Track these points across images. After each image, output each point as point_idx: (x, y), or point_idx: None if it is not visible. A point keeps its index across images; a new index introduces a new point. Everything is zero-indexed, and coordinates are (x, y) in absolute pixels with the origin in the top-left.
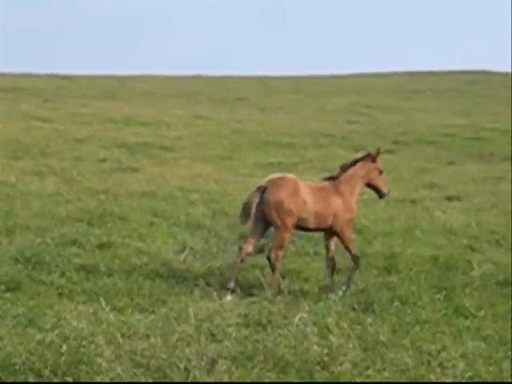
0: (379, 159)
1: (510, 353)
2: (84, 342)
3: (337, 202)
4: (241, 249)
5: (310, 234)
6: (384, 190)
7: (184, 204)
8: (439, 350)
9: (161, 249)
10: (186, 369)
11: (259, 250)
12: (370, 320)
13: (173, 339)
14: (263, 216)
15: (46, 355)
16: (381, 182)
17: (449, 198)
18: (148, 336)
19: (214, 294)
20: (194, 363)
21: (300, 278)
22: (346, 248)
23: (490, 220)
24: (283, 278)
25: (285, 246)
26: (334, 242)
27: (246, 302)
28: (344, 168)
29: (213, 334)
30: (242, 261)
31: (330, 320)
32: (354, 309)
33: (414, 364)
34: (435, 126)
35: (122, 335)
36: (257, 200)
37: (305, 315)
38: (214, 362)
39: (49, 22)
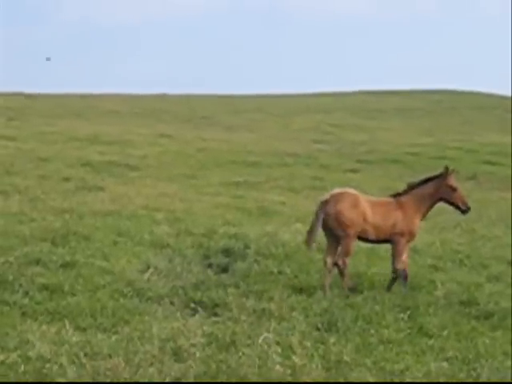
0: (451, 177)
1: (472, 372)
2: (47, 363)
3: (397, 216)
4: (325, 263)
5: (274, 252)
6: (461, 206)
7: (148, 223)
8: (402, 370)
9: (125, 268)
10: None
11: (223, 270)
12: (333, 340)
13: (136, 359)
14: (330, 230)
15: (8, 375)
16: (456, 199)
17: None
18: (111, 356)
19: (178, 314)
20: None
21: (264, 297)
22: (393, 258)
23: (454, 239)
24: (247, 297)
25: (351, 253)
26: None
27: (210, 321)
28: (411, 186)
29: (176, 354)
30: (329, 271)
31: (293, 340)
32: (317, 328)
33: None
34: (400, 145)
35: (85, 355)
36: (322, 216)
37: (269, 335)
38: (177, 381)
39: (12, 40)
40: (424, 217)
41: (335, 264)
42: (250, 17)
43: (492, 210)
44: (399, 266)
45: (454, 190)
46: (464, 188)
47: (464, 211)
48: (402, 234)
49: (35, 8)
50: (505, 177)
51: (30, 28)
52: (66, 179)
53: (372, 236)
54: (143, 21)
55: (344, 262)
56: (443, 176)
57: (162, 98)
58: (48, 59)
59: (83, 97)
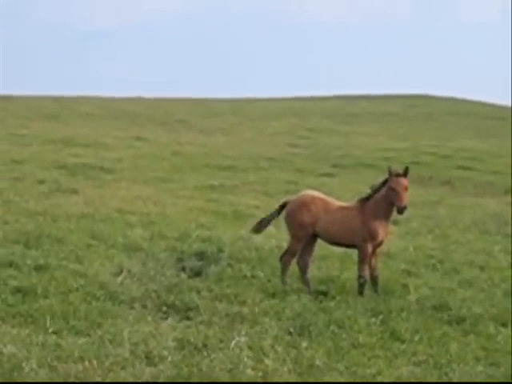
0: (392, 180)
1: (444, 377)
2: (17, 365)
3: (357, 221)
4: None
5: (248, 256)
6: (396, 202)
7: (122, 226)
8: (374, 374)
9: (98, 271)
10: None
11: (196, 273)
12: (305, 344)
13: (107, 362)
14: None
15: None
16: (396, 197)
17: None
18: (82, 359)
19: (150, 317)
20: None
21: (237, 301)
22: (358, 264)
23: (427, 244)
24: (220, 301)
25: (295, 254)
26: (375, 259)
27: (182, 325)
28: (374, 190)
29: (148, 358)
30: (301, 272)
31: (265, 344)
32: (290, 333)
33: None
34: (374, 150)
35: (57, 358)
36: (276, 216)
37: (241, 339)
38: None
39: None
40: (387, 220)
41: (298, 263)
42: (226, 20)
43: (466, 215)
44: (362, 273)
45: (395, 192)
46: (437, 193)
47: (399, 210)
48: (364, 240)
49: (9, 9)
50: (479, 182)
51: (5, 29)
52: (41, 182)
53: (329, 240)
54: (119, 24)
55: (286, 261)
56: (389, 178)
57: (138, 101)
58: None
59: (58, 99)
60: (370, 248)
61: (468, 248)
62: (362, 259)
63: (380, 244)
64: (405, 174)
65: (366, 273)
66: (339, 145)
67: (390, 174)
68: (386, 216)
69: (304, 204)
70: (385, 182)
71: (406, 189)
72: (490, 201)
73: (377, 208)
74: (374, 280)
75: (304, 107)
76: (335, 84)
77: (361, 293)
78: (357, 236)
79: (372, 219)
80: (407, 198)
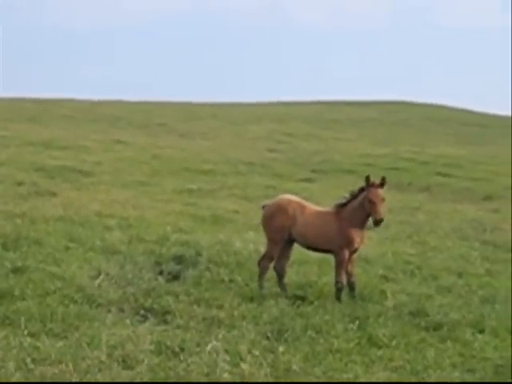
0: (370, 190)
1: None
2: None
3: (332, 227)
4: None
5: (226, 260)
6: (373, 214)
7: (100, 229)
8: (351, 380)
9: (76, 274)
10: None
11: (174, 277)
12: (282, 348)
13: (84, 365)
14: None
15: None
16: (373, 209)
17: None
18: (59, 361)
19: (128, 321)
20: None
21: (214, 305)
22: (335, 270)
23: (406, 250)
24: (198, 305)
25: (272, 258)
26: (352, 264)
27: (160, 328)
28: (352, 195)
29: (125, 361)
30: (278, 275)
31: (242, 348)
32: (267, 337)
33: None
34: (354, 156)
35: (33, 360)
36: None
37: (218, 343)
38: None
39: None
40: (363, 227)
41: (275, 268)
42: (204, 24)
43: (445, 221)
44: (339, 278)
45: (372, 203)
46: (416, 199)
47: (376, 222)
48: (340, 247)
49: None
50: (458, 189)
51: None
52: (19, 183)
53: (305, 244)
54: (100, 26)
55: (264, 265)
56: (366, 188)
57: (118, 104)
58: None
59: (38, 101)
60: (346, 254)
61: (446, 254)
62: (339, 265)
63: (356, 250)
64: (382, 184)
65: (343, 278)
66: (319, 150)
67: (368, 183)
68: (362, 223)
69: (280, 208)
70: (362, 190)
71: (383, 200)
72: (469, 207)
73: (353, 215)
74: (351, 286)
75: (285, 112)
76: (316, 90)
77: (338, 298)
78: (332, 242)
79: (348, 226)
80: (384, 209)
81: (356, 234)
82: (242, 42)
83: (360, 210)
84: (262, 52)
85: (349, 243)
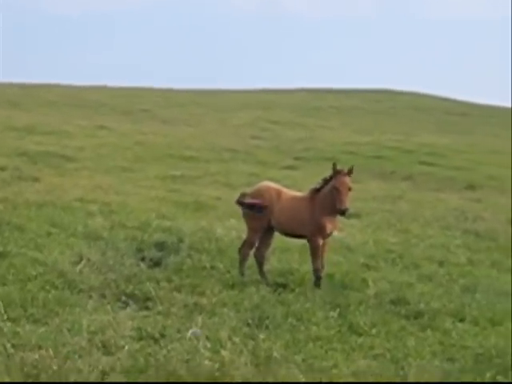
0: (336, 178)
1: (400, 371)
2: None
3: (305, 212)
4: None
5: (207, 247)
6: (338, 204)
7: (83, 215)
8: (331, 367)
9: (57, 259)
10: (76, 381)
11: (156, 263)
12: (263, 336)
13: (64, 351)
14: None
15: None
16: (338, 198)
17: (347, 215)
18: (40, 347)
19: (109, 307)
20: (85, 375)
21: (195, 292)
22: (311, 258)
23: (388, 238)
24: (179, 292)
25: (252, 245)
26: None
27: (140, 315)
28: (325, 181)
29: (105, 347)
30: (258, 263)
31: (223, 334)
32: (248, 324)
33: (305, 380)
34: (337, 144)
35: (13, 346)
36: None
37: (197, 330)
38: (105, 374)
39: None
40: (334, 213)
41: (255, 256)
42: (190, 11)
43: (427, 210)
44: (316, 266)
45: (338, 191)
46: (399, 188)
47: (340, 212)
48: (312, 233)
49: None
50: (441, 178)
51: None
52: (2, 169)
53: (281, 230)
54: (84, 11)
55: (245, 253)
56: (333, 176)
57: (102, 89)
58: None
59: (22, 87)
60: (319, 241)
61: (428, 243)
62: (314, 252)
63: (328, 236)
64: (349, 172)
65: (319, 264)
66: (303, 138)
67: (335, 171)
68: (333, 210)
69: (259, 194)
70: (332, 177)
71: (350, 189)
72: (451, 196)
73: (324, 201)
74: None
75: (269, 100)
76: (301, 78)
77: (318, 285)
78: (305, 226)
79: (320, 212)
80: (349, 198)
81: (327, 221)
82: (226, 30)
83: (330, 196)
84: (245, 39)
85: (320, 229)
